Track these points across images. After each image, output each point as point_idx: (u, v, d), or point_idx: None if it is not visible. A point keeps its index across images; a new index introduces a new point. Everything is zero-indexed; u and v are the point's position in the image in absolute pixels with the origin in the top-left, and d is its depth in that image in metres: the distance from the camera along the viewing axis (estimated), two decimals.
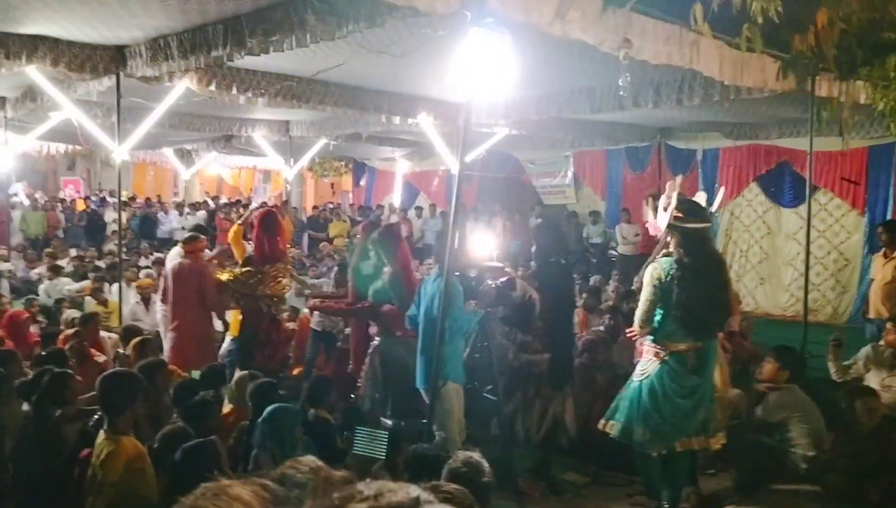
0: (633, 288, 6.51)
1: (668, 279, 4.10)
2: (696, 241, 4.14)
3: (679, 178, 4.67)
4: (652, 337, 4.24)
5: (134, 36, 6.45)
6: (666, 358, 4.18)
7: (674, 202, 4.17)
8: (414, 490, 0.52)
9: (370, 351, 5.76)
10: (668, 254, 4.21)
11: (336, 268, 8.34)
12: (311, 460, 0.58)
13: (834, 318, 10.35)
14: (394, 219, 16.49)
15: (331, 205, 18.85)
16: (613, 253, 13.09)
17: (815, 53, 5.84)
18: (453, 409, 4.66)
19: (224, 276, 6.47)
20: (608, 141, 12.46)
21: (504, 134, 11.43)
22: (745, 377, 6.15)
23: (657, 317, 4.17)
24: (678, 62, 5.34)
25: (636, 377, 4.33)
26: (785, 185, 11.36)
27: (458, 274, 4.70)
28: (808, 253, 6.92)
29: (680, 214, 4.16)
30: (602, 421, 4.46)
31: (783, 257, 11.39)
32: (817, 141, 7.50)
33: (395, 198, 18.51)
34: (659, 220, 4.30)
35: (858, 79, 6.44)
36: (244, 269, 6.50)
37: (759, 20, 4.87)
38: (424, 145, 13.54)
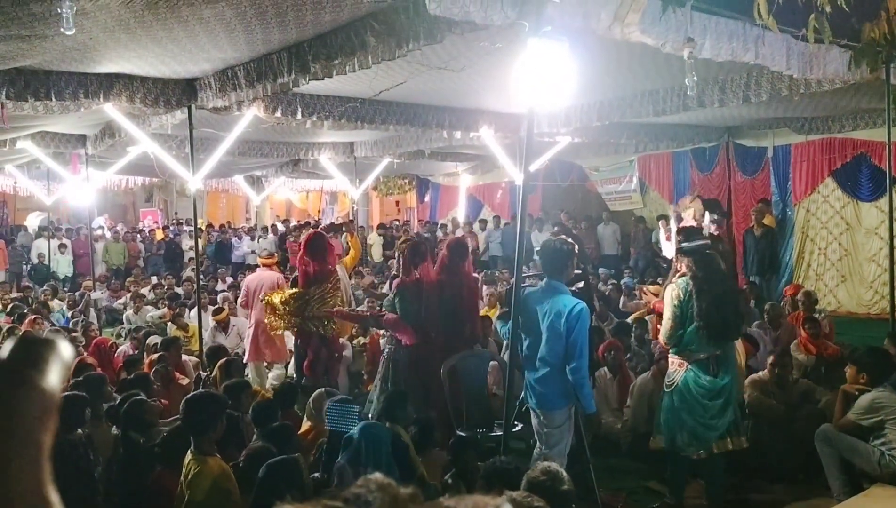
0: None
1: (686, 296, 4.56)
2: (703, 257, 4.61)
3: (681, 201, 5.20)
4: (675, 349, 4.65)
5: (203, 69, 6.70)
6: (690, 366, 4.60)
7: (674, 230, 4.81)
8: (506, 504, 0.52)
9: (383, 357, 5.95)
10: (682, 275, 4.68)
11: None
12: (379, 478, 0.57)
13: None
14: (459, 233, 16.58)
15: (397, 223, 19.04)
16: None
17: (888, 41, 5.63)
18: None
19: (276, 299, 6.65)
20: (673, 143, 12.22)
21: (566, 142, 11.35)
22: (832, 379, 5.92)
23: (682, 333, 4.58)
24: (743, 58, 5.21)
25: (666, 389, 4.73)
26: (863, 179, 10.92)
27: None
28: (892, 247, 6.59)
29: (682, 239, 4.76)
30: (651, 438, 4.87)
31: (864, 253, 10.92)
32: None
33: (460, 212, 18.57)
34: (666, 249, 4.73)
35: None
36: (291, 292, 6.68)
37: (827, 9, 4.73)
38: (486, 158, 13.58)
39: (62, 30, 4.06)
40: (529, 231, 14.11)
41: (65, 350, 0.42)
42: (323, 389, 5.42)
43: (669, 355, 4.76)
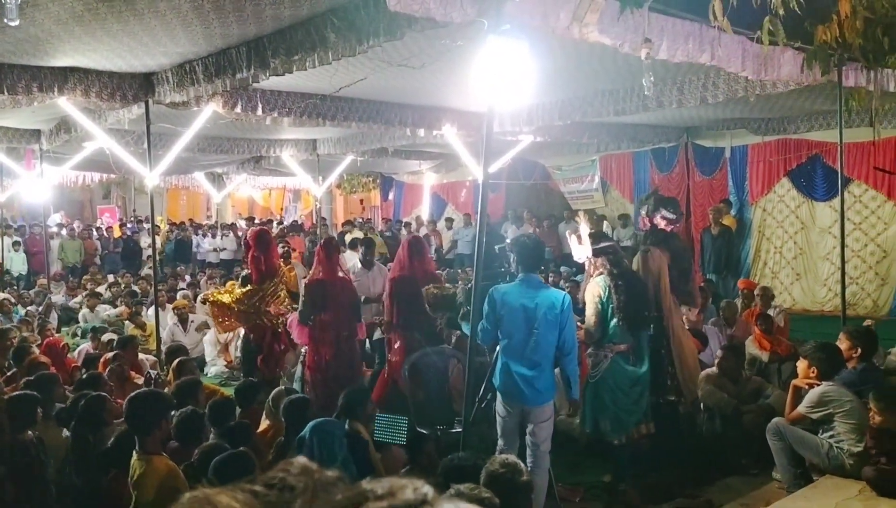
0: None
1: (606, 292, 4.91)
2: (616, 256, 5.02)
3: (581, 213, 5.87)
4: (601, 343, 4.93)
5: (160, 63, 6.59)
6: (612, 356, 4.89)
7: (585, 233, 5.11)
8: (424, 487, 0.52)
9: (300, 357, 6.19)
10: (599, 274, 5.02)
11: None
12: (302, 461, 0.57)
13: (874, 311, 10.11)
14: (423, 231, 16.58)
15: (360, 220, 18.97)
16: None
17: (839, 44, 5.75)
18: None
19: (225, 299, 6.60)
20: (634, 143, 12.38)
21: (529, 141, 11.41)
22: (785, 374, 6.05)
23: (605, 327, 4.91)
24: (700, 59, 5.29)
25: (590, 380, 4.98)
26: (817, 179, 11.18)
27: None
28: (843, 246, 6.78)
29: (594, 240, 5.19)
30: (575, 427, 5.23)
31: (819, 252, 11.19)
32: (848, 132, 7.37)
33: (424, 210, 18.57)
34: (578, 253, 5.20)
35: (886, 67, 6.31)
36: (245, 289, 6.65)
37: (781, 12, 4.82)
38: (450, 156, 13.58)
39: (6, 21, 3.95)
40: (497, 226, 14.20)
41: None
42: (283, 387, 5.39)
43: (590, 349, 5.03)
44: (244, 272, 7.38)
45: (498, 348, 4.55)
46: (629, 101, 8.01)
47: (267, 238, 7.01)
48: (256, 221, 19.31)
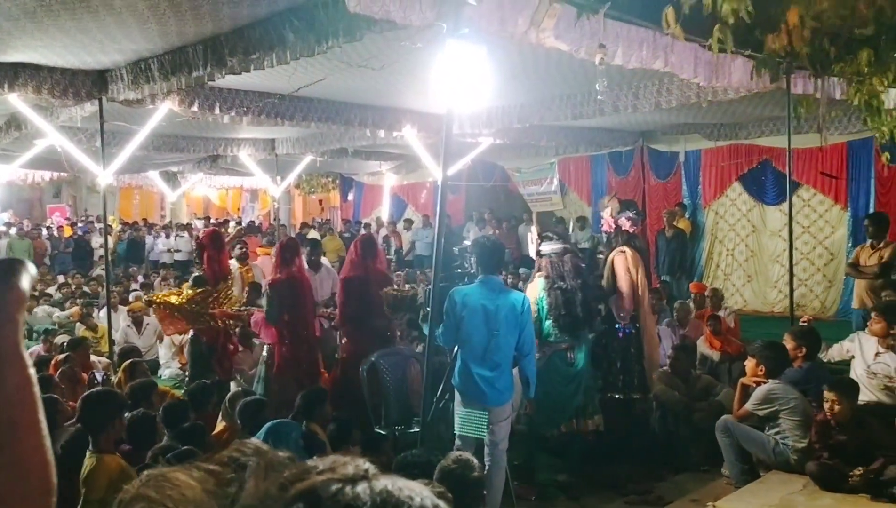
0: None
1: (542, 293, 5.12)
2: (555, 259, 5.22)
3: (534, 215, 5.93)
4: (539, 339, 5.09)
5: (115, 60, 6.48)
6: (550, 354, 5.13)
7: (535, 234, 5.22)
8: (365, 464, 0.55)
9: (263, 356, 6.24)
10: (541, 275, 5.26)
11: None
12: (255, 443, 0.60)
13: (822, 312, 10.42)
14: (383, 232, 16.57)
15: (318, 221, 18.86)
16: (601, 256, 13.16)
17: (788, 52, 5.93)
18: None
19: (173, 300, 6.54)
20: (592, 146, 12.56)
21: (488, 143, 11.49)
22: (735, 373, 6.21)
23: (541, 325, 5.12)
24: (653, 66, 5.42)
25: None
26: (767, 183, 11.48)
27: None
28: (791, 249, 6.99)
29: (541, 242, 5.39)
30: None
31: (769, 254, 11.49)
32: (797, 138, 7.59)
33: (384, 211, 18.54)
34: (532, 252, 5.20)
35: (833, 75, 6.52)
36: (199, 290, 6.59)
37: (731, 21, 4.95)
38: (411, 158, 13.60)
39: None
40: (458, 228, 14.26)
41: (31, 267, 0.60)
42: (240, 389, 5.35)
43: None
44: (196, 273, 7.30)
45: (457, 349, 4.59)
46: (586, 106, 8.13)
47: (221, 238, 7.04)
48: (212, 221, 19.07)
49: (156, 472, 0.58)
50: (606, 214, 5.96)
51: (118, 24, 5.32)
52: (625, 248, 5.58)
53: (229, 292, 6.69)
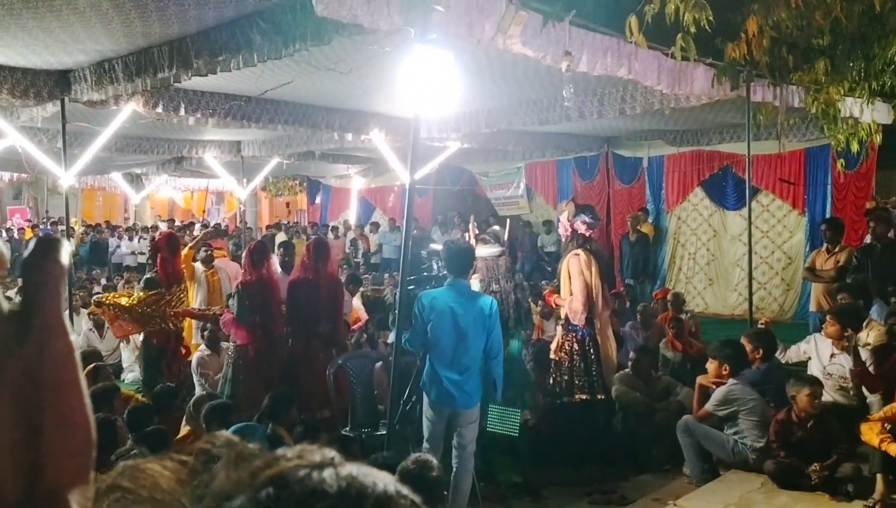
0: None
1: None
2: (494, 261, 5.41)
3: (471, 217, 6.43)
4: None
5: (78, 60, 6.39)
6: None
7: (471, 236, 5.47)
8: (331, 453, 0.58)
9: (228, 356, 6.22)
10: (478, 279, 5.32)
11: None
12: (227, 435, 0.63)
13: (780, 315, 10.67)
14: (351, 235, 16.53)
15: (286, 223, 18.75)
16: None
17: (748, 61, 6.08)
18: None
19: (123, 301, 6.48)
20: (558, 151, 12.70)
21: (456, 147, 11.55)
22: (696, 375, 6.33)
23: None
24: (617, 73, 5.51)
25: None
26: (728, 189, 11.72)
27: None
28: (750, 253, 7.16)
29: (478, 245, 5.43)
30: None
31: (730, 258, 11.72)
32: (757, 145, 7.77)
33: (351, 214, 18.50)
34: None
35: (791, 84, 6.69)
36: (152, 292, 6.57)
37: (692, 30, 5.07)
38: (379, 161, 13.59)
39: None
40: (428, 231, 14.30)
41: (65, 244, 0.62)
42: (204, 392, 5.31)
43: None
44: (148, 275, 7.24)
45: (425, 353, 4.60)
46: (552, 112, 8.24)
47: (177, 241, 7.09)
48: (177, 223, 18.84)
49: (130, 464, 0.61)
50: (563, 218, 6.04)
51: (82, 24, 5.26)
52: (579, 251, 5.66)
53: (182, 295, 6.66)
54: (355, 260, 15.38)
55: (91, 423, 0.64)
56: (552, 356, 5.84)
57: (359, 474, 0.54)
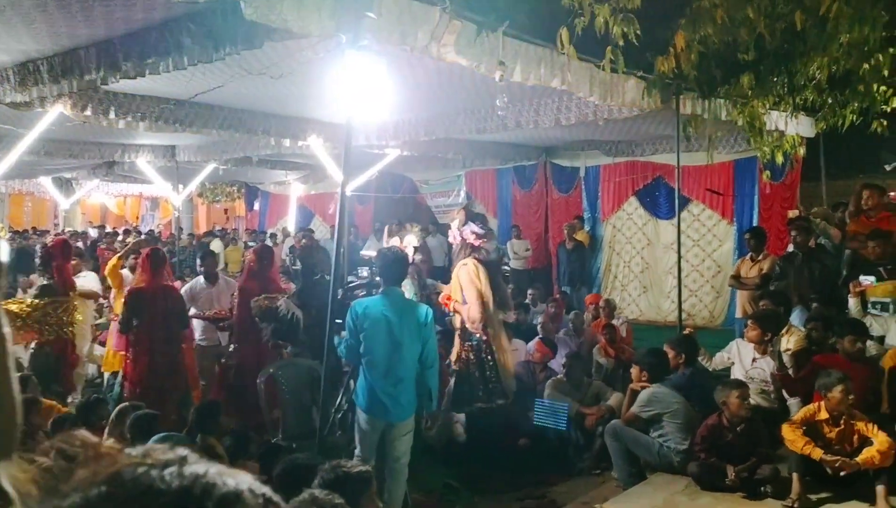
0: (526, 301, 7.44)
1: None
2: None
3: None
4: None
5: (0, 60, 6.17)
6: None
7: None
8: (183, 451, 0.58)
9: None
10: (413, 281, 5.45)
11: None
12: (84, 434, 0.63)
13: (710, 322, 10.99)
14: (289, 242, 16.32)
15: (220, 230, 18.41)
16: (506, 268, 13.42)
17: (677, 74, 6.26)
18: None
19: (13, 307, 6.31)
20: (497, 160, 12.82)
21: (395, 155, 11.55)
22: (627, 380, 6.47)
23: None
24: (551, 83, 5.60)
25: None
26: (661, 199, 12.02)
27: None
28: (679, 261, 7.36)
29: (415, 253, 5.64)
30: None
31: (663, 266, 12.01)
32: (687, 156, 8.00)
33: (290, 221, 18.28)
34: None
35: (719, 97, 6.91)
36: (49, 299, 6.50)
37: (621, 43, 5.20)
38: (317, 168, 13.49)
39: None
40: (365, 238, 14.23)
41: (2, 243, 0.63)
42: (128, 403, 5.17)
43: None
44: (42, 281, 7.01)
45: (359, 365, 4.53)
46: (489, 120, 8.31)
47: (69, 248, 7.10)
48: (108, 229, 18.31)
49: None
50: (454, 226, 6.09)
51: (3, 24, 5.07)
52: (467, 261, 5.72)
53: (73, 303, 6.66)
54: (293, 267, 15.19)
55: (18, 406, 0.66)
56: (453, 366, 5.89)
57: (207, 473, 0.55)
